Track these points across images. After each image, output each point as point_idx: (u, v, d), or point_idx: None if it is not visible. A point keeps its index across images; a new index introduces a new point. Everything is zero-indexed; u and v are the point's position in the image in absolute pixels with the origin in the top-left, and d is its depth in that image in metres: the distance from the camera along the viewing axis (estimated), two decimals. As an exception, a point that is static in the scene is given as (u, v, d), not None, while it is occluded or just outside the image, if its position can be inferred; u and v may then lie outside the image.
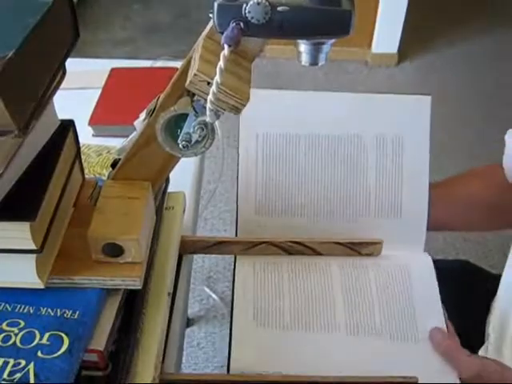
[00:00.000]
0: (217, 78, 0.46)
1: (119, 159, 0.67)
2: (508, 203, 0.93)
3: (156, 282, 0.70)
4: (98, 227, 0.60)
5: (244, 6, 0.44)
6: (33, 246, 0.55)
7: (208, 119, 0.49)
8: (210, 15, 0.48)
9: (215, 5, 0.45)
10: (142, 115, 0.62)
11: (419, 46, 3.06)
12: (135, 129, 0.65)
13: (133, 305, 0.65)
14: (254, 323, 0.75)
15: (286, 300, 0.78)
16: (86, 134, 1.05)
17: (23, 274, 0.58)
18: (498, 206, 0.93)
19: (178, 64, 1.21)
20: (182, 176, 0.77)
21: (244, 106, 0.50)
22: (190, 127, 0.52)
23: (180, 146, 0.53)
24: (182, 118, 0.53)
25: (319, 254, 0.84)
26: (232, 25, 0.45)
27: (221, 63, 0.45)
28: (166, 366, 0.68)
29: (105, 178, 0.73)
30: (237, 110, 0.50)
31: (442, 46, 3.10)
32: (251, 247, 0.83)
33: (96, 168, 0.79)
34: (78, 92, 1.11)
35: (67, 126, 0.64)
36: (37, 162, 0.59)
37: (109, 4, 3.19)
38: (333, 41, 0.49)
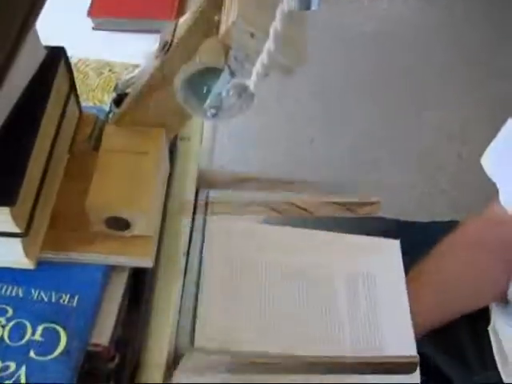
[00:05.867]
0: (274, 31, 0.31)
1: (124, 94, 0.53)
2: None
3: (170, 240, 0.58)
4: (97, 195, 0.47)
5: None
6: (16, 230, 0.43)
7: (251, 85, 0.35)
8: None
9: None
10: (153, 48, 0.47)
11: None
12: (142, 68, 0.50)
13: (141, 275, 0.54)
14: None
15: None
16: (84, 28, 0.88)
17: (9, 253, 0.46)
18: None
19: None
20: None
21: (300, 65, 0.35)
22: (223, 89, 0.37)
23: (208, 113, 0.39)
24: (211, 70, 0.39)
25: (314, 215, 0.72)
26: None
27: (277, 24, 0.29)
28: (179, 339, 0.59)
29: (106, 107, 0.60)
30: (289, 72, 0.36)
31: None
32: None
33: (96, 93, 0.65)
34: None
35: (56, 56, 0.49)
36: (21, 108, 0.46)
37: None
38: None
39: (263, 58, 0.31)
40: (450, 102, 1.78)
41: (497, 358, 0.75)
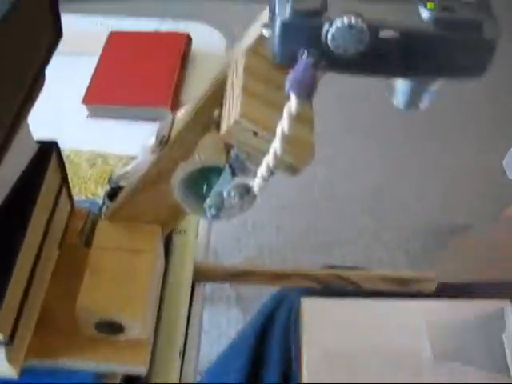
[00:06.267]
0: (281, 132, 0.29)
1: (118, 187, 0.51)
2: None
3: (165, 338, 0.55)
4: (88, 297, 0.44)
5: (326, 27, 0.27)
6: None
7: (256, 188, 0.33)
8: (265, 31, 0.31)
9: (277, 23, 0.28)
10: (150, 141, 0.45)
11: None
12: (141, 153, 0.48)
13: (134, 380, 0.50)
14: None
15: None
16: (78, 114, 0.87)
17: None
18: None
19: (190, 26, 1.03)
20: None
21: (307, 164, 0.33)
22: (224, 188, 0.35)
23: (207, 213, 0.36)
24: (211, 168, 0.37)
25: (360, 288, 0.69)
26: (304, 59, 0.27)
27: (284, 125, 0.28)
28: None
29: (100, 200, 0.57)
30: (295, 171, 0.34)
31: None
32: (280, 278, 0.68)
33: (89, 185, 0.62)
34: (70, 59, 0.93)
35: (48, 150, 0.48)
36: (10, 204, 0.43)
37: None
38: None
39: (269, 160, 0.29)
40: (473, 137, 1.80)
41: (510, 365, 0.72)
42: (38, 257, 0.47)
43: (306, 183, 1.64)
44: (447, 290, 0.70)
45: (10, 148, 0.41)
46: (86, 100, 0.87)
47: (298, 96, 0.27)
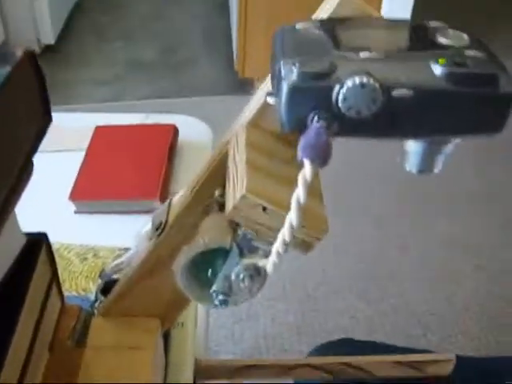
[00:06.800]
0: (297, 203, 0.27)
1: (111, 281, 0.48)
2: None
3: None
4: (84, 402, 0.40)
5: (336, 88, 0.26)
6: None
7: (270, 267, 0.30)
8: (270, 99, 0.29)
9: (285, 88, 0.26)
10: (145, 229, 0.43)
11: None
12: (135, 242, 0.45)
13: None
14: None
15: None
16: (66, 211, 0.85)
17: None
18: None
19: (173, 118, 1.04)
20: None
21: (321, 239, 0.31)
22: (232, 271, 0.33)
23: (216, 300, 0.33)
24: (216, 250, 0.34)
25: (373, 376, 0.64)
26: (315, 124, 0.26)
27: (300, 195, 0.25)
28: None
29: (92, 295, 0.54)
30: (309, 247, 0.31)
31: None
32: (287, 370, 0.64)
33: (80, 280, 0.59)
34: (57, 155, 0.92)
35: (37, 243, 0.45)
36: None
37: (90, 41, 3.02)
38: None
39: (284, 234, 0.27)
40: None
41: None
42: (27, 361, 0.43)
43: (298, 271, 1.61)
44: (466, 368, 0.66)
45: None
46: (73, 196, 0.85)
47: (313, 161, 0.25)
